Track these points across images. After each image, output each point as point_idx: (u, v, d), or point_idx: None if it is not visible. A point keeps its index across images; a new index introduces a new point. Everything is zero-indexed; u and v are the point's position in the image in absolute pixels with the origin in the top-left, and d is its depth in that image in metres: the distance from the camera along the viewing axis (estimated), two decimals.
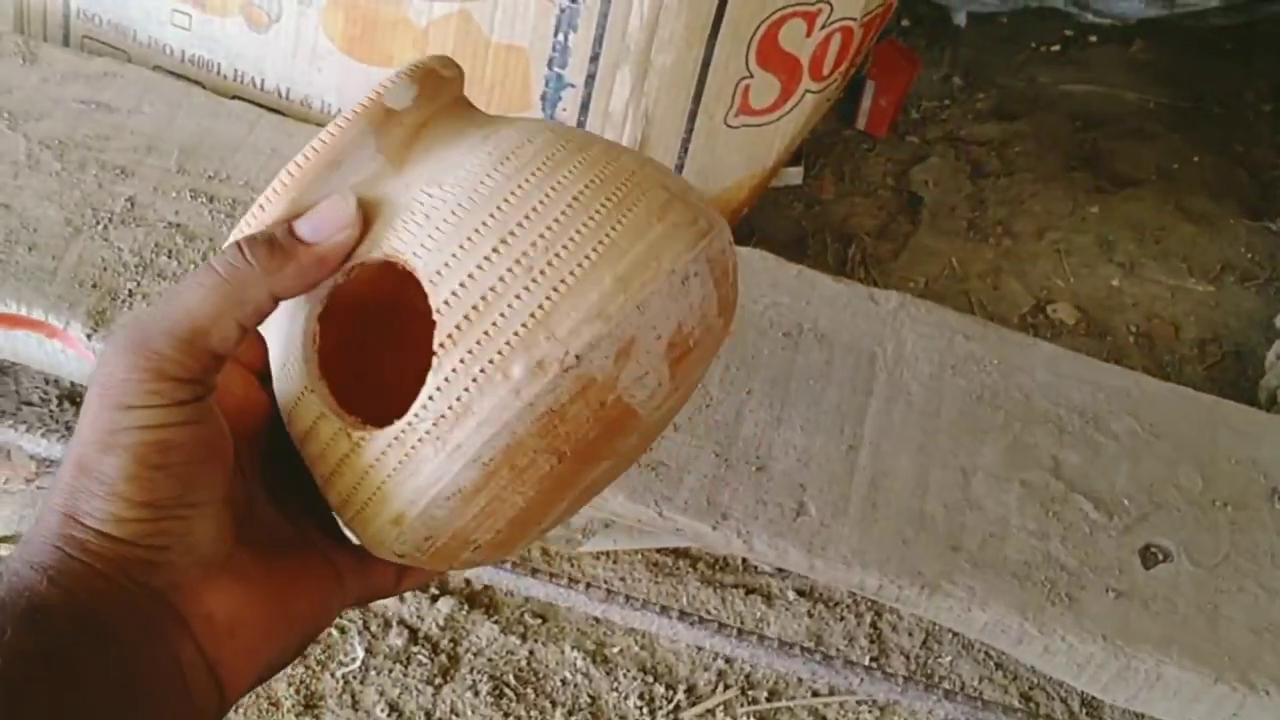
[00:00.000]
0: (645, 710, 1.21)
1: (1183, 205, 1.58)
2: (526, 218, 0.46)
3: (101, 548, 0.43)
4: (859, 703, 1.24)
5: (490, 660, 1.22)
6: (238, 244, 0.46)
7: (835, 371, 1.11)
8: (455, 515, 0.47)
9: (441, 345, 0.45)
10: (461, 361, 0.45)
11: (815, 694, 1.26)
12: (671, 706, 1.22)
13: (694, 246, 0.48)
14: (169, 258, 1.06)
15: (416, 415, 0.46)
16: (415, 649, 1.23)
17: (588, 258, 0.45)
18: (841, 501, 1.04)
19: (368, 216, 0.47)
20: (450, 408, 0.45)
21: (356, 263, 0.47)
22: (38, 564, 0.43)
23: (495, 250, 0.45)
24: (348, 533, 0.52)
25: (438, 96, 0.50)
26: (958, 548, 1.03)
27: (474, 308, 0.45)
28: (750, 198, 1.33)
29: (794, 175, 1.52)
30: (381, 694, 1.18)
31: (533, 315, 0.45)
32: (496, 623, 1.24)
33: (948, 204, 1.56)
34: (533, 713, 1.20)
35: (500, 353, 0.45)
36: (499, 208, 0.46)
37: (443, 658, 1.23)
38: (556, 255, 0.45)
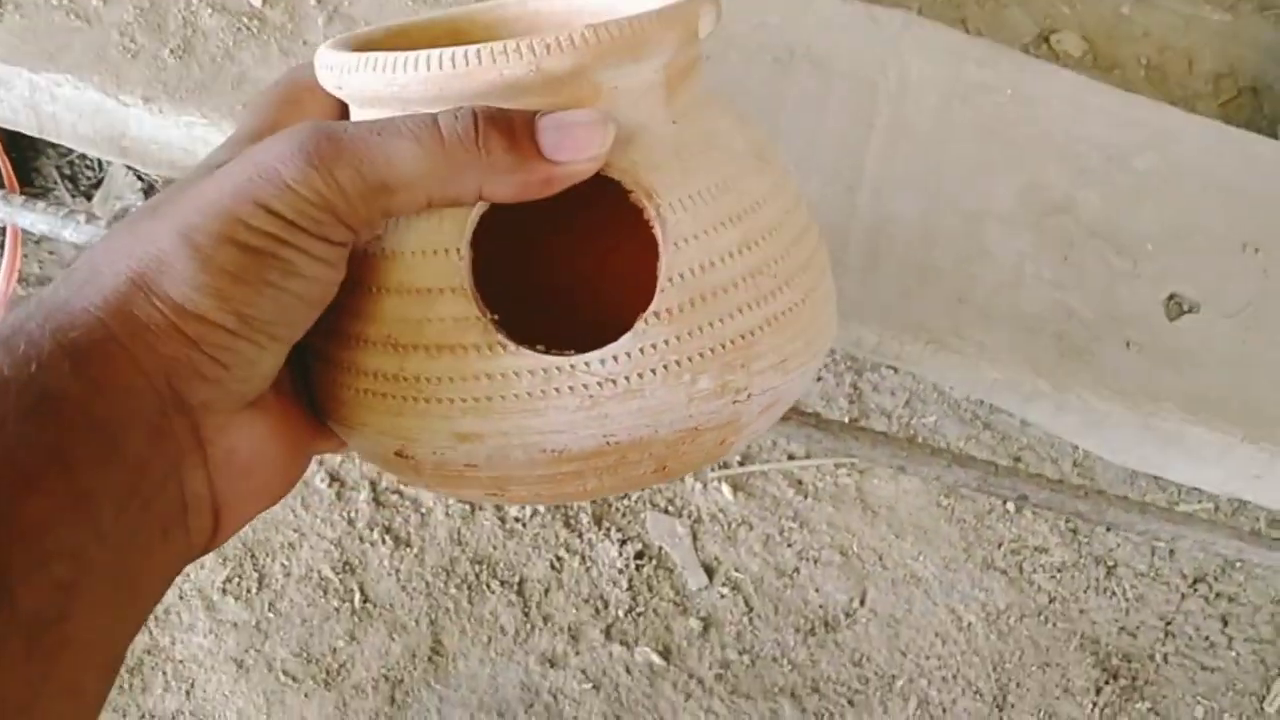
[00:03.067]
0: None
1: None
2: (771, 231, 0.44)
3: (158, 339, 0.38)
4: (837, 466, 1.16)
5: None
6: (477, 118, 0.40)
7: (832, 102, 0.97)
8: (529, 467, 0.44)
9: (656, 315, 0.42)
10: (665, 343, 0.42)
11: (791, 457, 1.17)
12: None
13: (830, 341, 0.49)
14: None
15: (587, 364, 0.42)
16: None
17: (796, 305, 0.45)
18: (838, 250, 0.92)
19: (617, 132, 0.43)
20: (626, 379, 0.42)
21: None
22: (69, 342, 0.37)
23: (741, 249, 0.43)
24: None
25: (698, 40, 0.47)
26: (965, 300, 0.93)
27: (702, 296, 0.42)
28: None
29: None
30: (320, 463, 1.08)
31: (743, 336, 0.43)
32: None
33: None
34: None
35: (701, 355, 0.42)
36: (756, 204, 0.44)
37: None
38: (784, 285, 0.44)
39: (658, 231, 0.42)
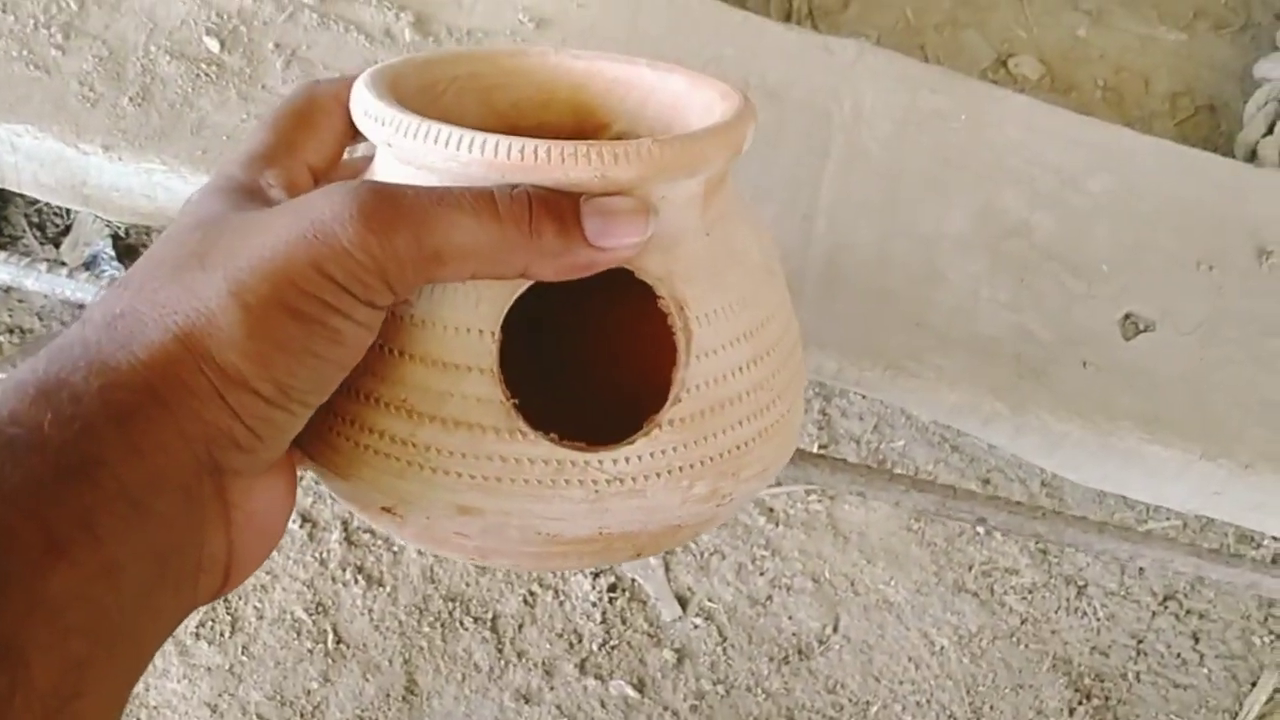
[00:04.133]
0: None
1: None
2: (774, 346, 0.46)
3: (203, 405, 0.37)
4: (808, 492, 1.17)
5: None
6: (531, 201, 0.40)
7: (788, 132, 0.99)
8: (521, 544, 0.45)
9: (670, 423, 0.43)
10: (673, 450, 0.43)
11: None
12: None
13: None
14: (4, 11, 0.90)
15: (599, 462, 0.43)
16: None
17: (784, 417, 0.46)
18: (795, 279, 0.93)
19: (658, 238, 0.44)
20: (634, 479, 0.44)
21: (624, 266, 0.44)
22: (115, 403, 0.36)
23: (750, 364, 0.45)
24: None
25: None
26: (923, 324, 0.93)
27: (711, 408, 0.44)
28: None
29: None
30: None
31: (739, 447, 0.44)
32: None
33: None
34: None
35: (701, 463, 0.44)
36: (766, 319, 0.46)
37: None
38: (777, 399, 0.45)
39: (681, 341, 0.43)
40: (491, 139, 0.40)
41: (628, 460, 0.43)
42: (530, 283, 0.42)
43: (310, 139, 0.45)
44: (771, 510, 1.16)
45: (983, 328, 0.94)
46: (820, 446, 1.19)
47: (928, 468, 1.17)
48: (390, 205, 0.38)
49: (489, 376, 0.43)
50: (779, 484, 1.16)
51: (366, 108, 0.43)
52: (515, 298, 0.43)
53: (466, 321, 0.43)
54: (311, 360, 0.38)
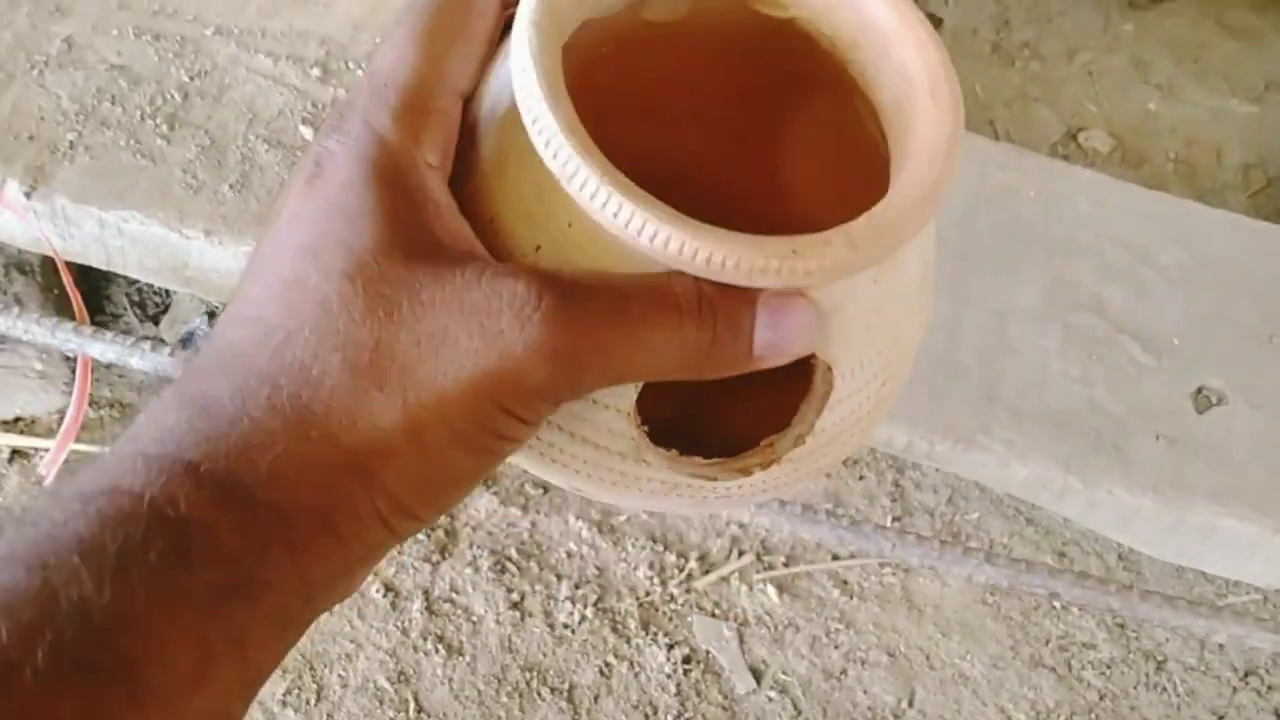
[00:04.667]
0: (656, 580, 1.14)
1: (1223, 19, 1.45)
2: (894, 378, 0.45)
3: (368, 530, 0.35)
4: (881, 565, 1.17)
5: (490, 534, 1.15)
6: (717, 320, 0.36)
7: None
8: (619, 504, 0.46)
9: (789, 460, 0.42)
10: (785, 475, 0.43)
11: (835, 557, 1.19)
12: (684, 575, 1.15)
13: None
14: (113, 103, 0.96)
15: (714, 484, 0.43)
16: None
17: (870, 429, 0.46)
18: None
19: (820, 304, 0.41)
20: (740, 495, 0.44)
21: None
22: (291, 525, 0.34)
23: (871, 402, 0.44)
24: None
25: None
26: (994, 398, 0.94)
27: (827, 445, 0.43)
28: None
29: None
30: (376, 573, 1.12)
31: (833, 461, 0.44)
32: (496, 494, 1.17)
33: (969, 25, 1.43)
34: (537, 587, 1.13)
35: (798, 481, 0.44)
36: (895, 358, 0.44)
37: (439, 533, 1.15)
38: (871, 425, 0.44)
39: (818, 390, 0.41)
40: (677, 234, 0.34)
41: (740, 486, 0.43)
42: None
43: (463, 56, 0.38)
44: (845, 582, 1.17)
45: (1054, 401, 0.94)
46: (894, 519, 1.19)
47: (1003, 540, 1.17)
48: (581, 338, 0.34)
49: (625, 417, 0.42)
50: (852, 556, 1.17)
51: (544, 131, 0.35)
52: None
53: None
54: (474, 485, 0.37)
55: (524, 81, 0.35)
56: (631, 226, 0.34)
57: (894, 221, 0.36)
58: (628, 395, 0.40)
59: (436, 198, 0.36)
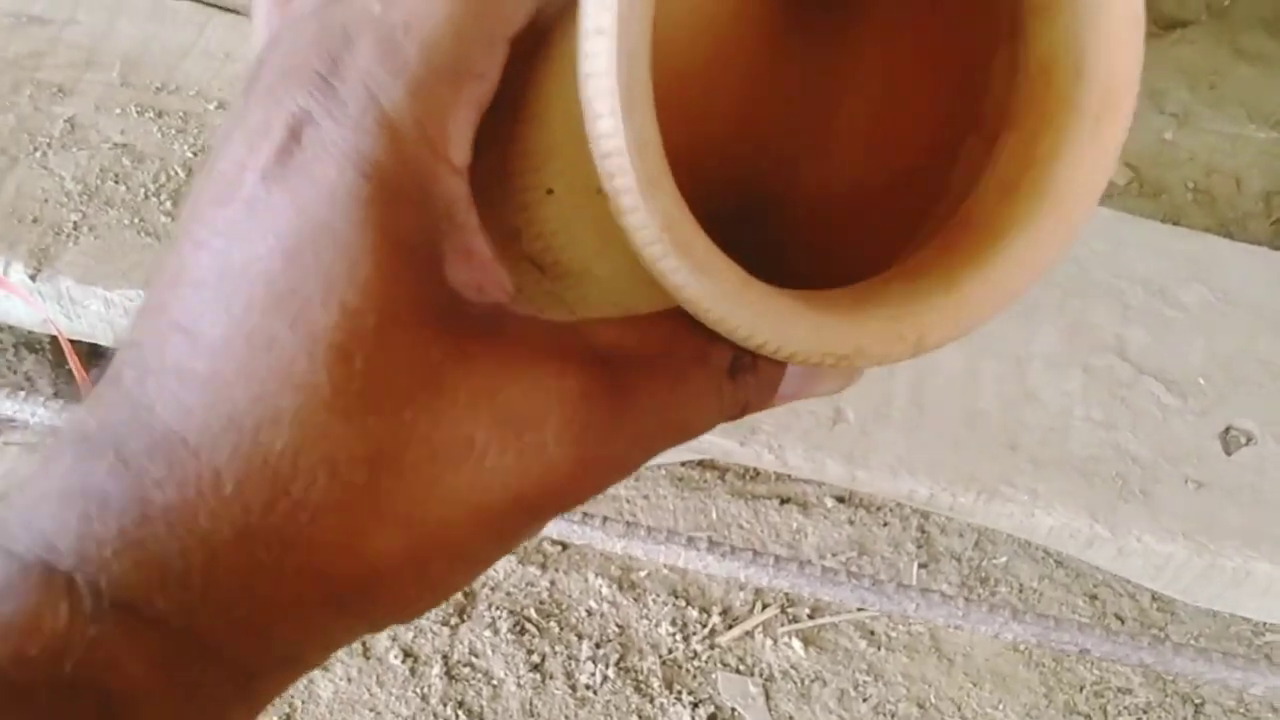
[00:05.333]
0: (679, 636, 1.13)
1: (1237, 45, 1.43)
2: None
3: (352, 636, 0.27)
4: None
5: (509, 594, 1.13)
6: (750, 399, 0.30)
7: None
8: None
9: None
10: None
11: (861, 608, 1.17)
12: (707, 631, 1.13)
13: None
14: (116, 182, 0.96)
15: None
16: None
17: None
18: (883, 404, 0.93)
19: None
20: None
21: None
22: (260, 690, 0.26)
23: None
24: None
25: None
26: (1016, 446, 0.93)
27: None
28: None
29: None
30: (394, 639, 1.10)
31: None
32: (513, 554, 1.15)
33: None
34: (557, 647, 1.12)
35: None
36: None
37: (458, 595, 1.14)
38: None
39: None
40: (743, 322, 0.27)
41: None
42: None
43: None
44: (872, 633, 1.14)
45: (1078, 448, 0.92)
46: (920, 565, 1.17)
47: (1032, 584, 1.15)
48: (636, 443, 0.27)
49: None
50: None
51: (615, 173, 0.25)
52: None
53: None
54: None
55: (603, 116, 0.24)
56: (691, 301, 0.26)
57: (975, 316, 0.29)
58: None
59: (460, 222, 0.25)
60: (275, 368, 0.24)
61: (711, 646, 1.14)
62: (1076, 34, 0.29)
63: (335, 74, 0.24)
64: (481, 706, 1.09)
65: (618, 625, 1.14)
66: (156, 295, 0.25)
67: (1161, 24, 1.47)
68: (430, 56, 0.24)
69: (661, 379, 0.27)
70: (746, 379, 0.29)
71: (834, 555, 1.16)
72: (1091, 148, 0.29)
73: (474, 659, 1.11)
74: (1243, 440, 0.94)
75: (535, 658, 1.11)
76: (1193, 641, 1.10)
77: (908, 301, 0.28)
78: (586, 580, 1.15)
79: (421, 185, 0.24)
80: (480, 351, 0.25)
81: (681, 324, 0.27)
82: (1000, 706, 1.12)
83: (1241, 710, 1.06)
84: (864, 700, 1.13)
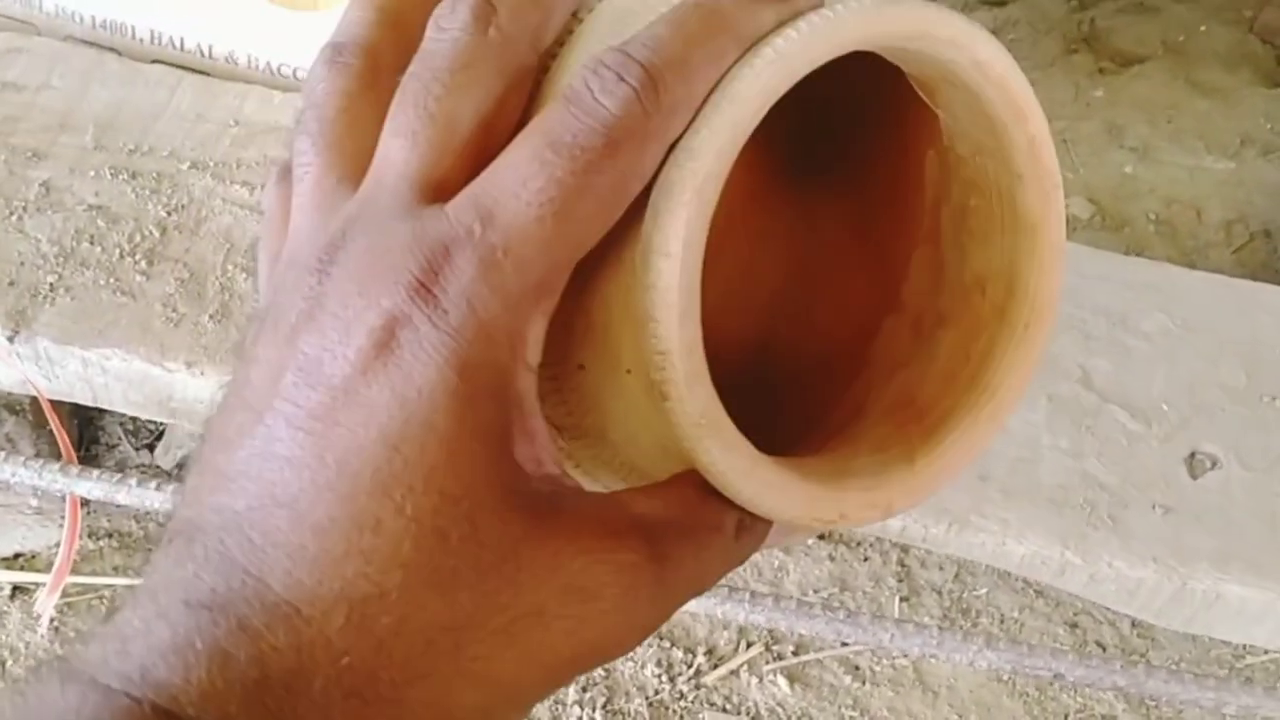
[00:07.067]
0: (665, 677, 1.13)
1: (1194, 79, 1.46)
2: None
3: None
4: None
5: None
6: (754, 530, 0.33)
7: None
8: None
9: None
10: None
11: (845, 643, 1.17)
12: (692, 671, 1.14)
13: None
14: (91, 243, 0.97)
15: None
16: None
17: None
18: None
19: None
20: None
21: None
22: None
23: None
24: None
25: None
26: (985, 477, 0.94)
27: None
28: None
29: None
30: None
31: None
32: None
33: None
34: None
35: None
36: None
37: None
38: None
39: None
40: (753, 492, 0.32)
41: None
42: None
43: (607, 208, 0.29)
44: (857, 668, 1.15)
45: (1046, 476, 0.94)
46: (901, 599, 1.18)
47: (1013, 614, 1.16)
48: (674, 603, 0.31)
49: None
50: (861, 642, 1.16)
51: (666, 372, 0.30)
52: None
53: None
54: None
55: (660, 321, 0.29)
56: (717, 475, 0.31)
57: (930, 489, 0.34)
58: None
59: (529, 414, 0.29)
60: (382, 549, 0.26)
61: (697, 686, 1.15)
62: (1012, 259, 0.34)
63: (436, 284, 0.27)
64: None
65: (603, 669, 1.14)
66: (238, 458, 0.28)
67: (1119, 61, 1.50)
68: (524, 277, 0.27)
69: (689, 545, 0.31)
70: (747, 538, 0.32)
71: (816, 592, 1.17)
72: (1021, 350, 0.34)
73: None
74: (1208, 464, 0.95)
75: None
76: (1172, 666, 1.11)
77: (878, 474, 0.33)
78: None
79: (504, 383, 0.28)
80: (549, 526, 0.28)
81: (695, 491, 0.31)
82: None
83: None
84: None
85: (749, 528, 0.32)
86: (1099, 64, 1.49)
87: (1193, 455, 0.95)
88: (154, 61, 1.12)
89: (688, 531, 0.31)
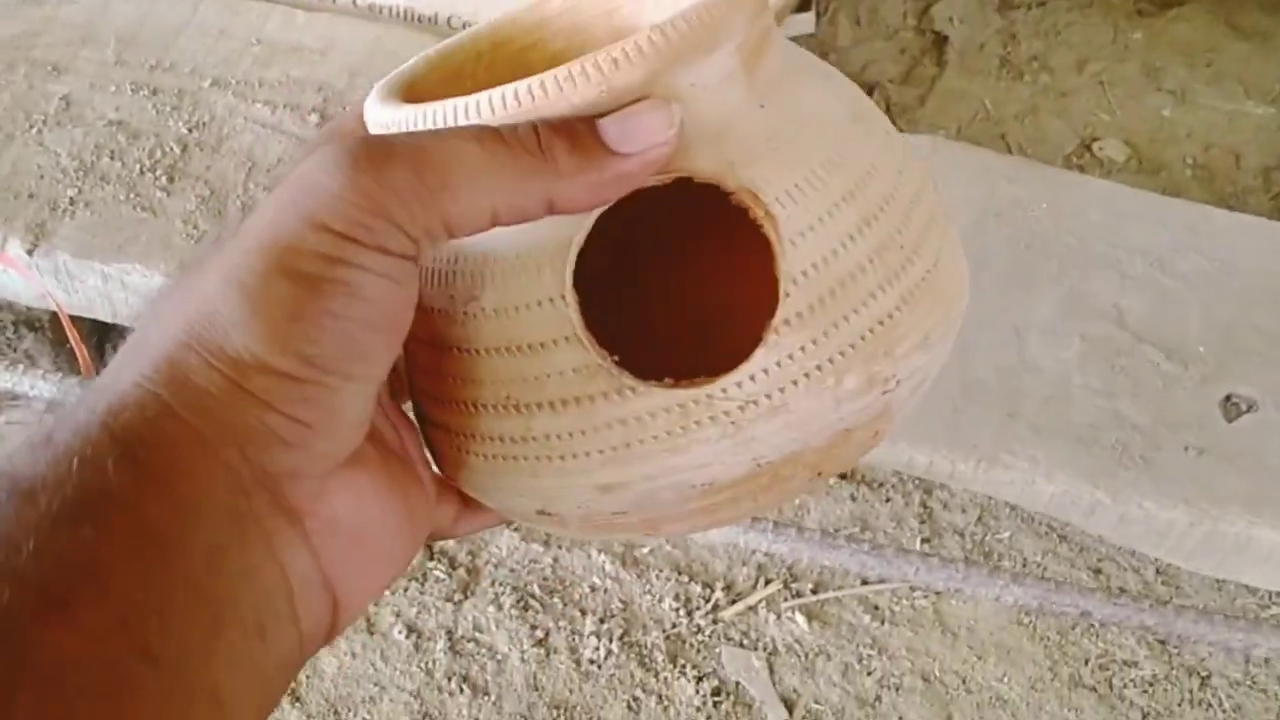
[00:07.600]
0: (682, 612, 1.13)
1: (1233, 22, 1.43)
2: (888, 199, 0.39)
3: (223, 405, 0.32)
4: (912, 588, 1.15)
5: (512, 571, 1.13)
6: (534, 126, 0.35)
7: None
8: (681, 504, 0.41)
9: (787, 323, 0.38)
10: (802, 350, 0.38)
11: (865, 582, 1.16)
12: (710, 606, 1.13)
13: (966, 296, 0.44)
14: (111, 159, 0.96)
15: (724, 391, 0.38)
16: (431, 564, 1.14)
17: (929, 273, 0.40)
18: None
19: (703, 130, 0.39)
20: (768, 396, 0.38)
21: (676, 175, 0.38)
22: (120, 426, 0.31)
23: (859, 230, 0.39)
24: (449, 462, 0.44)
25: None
26: (1015, 414, 0.92)
27: (831, 292, 0.38)
28: None
29: (804, 22, 1.38)
30: (398, 615, 1.10)
31: (881, 322, 0.39)
32: (516, 531, 1.15)
33: (976, 41, 1.41)
34: (561, 623, 1.12)
35: (842, 353, 0.38)
36: (867, 174, 0.39)
37: (461, 572, 1.14)
38: (913, 255, 0.39)
39: (769, 230, 0.38)
40: (484, 97, 0.36)
41: (754, 379, 0.38)
42: (584, 234, 0.38)
43: None
44: (876, 607, 1.14)
45: (1077, 416, 0.92)
46: (923, 540, 1.17)
47: (1036, 559, 1.15)
48: (382, 145, 0.34)
49: (577, 344, 0.39)
50: (881, 580, 1.15)
51: (373, 118, 0.39)
52: (575, 254, 0.39)
53: (534, 296, 0.39)
54: (329, 321, 0.33)
55: (367, 116, 0.40)
56: (449, 118, 0.37)
57: (696, 9, 0.37)
58: (566, 316, 0.38)
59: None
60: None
61: (715, 621, 1.14)
62: None
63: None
64: (486, 681, 1.09)
65: (621, 601, 1.14)
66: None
67: (1158, 2, 1.46)
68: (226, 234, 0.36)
69: (426, 131, 0.37)
70: (527, 128, 0.35)
71: (837, 531, 1.16)
72: None
73: (478, 634, 1.11)
74: (1244, 407, 0.94)
75: (539, 633, 1.11)
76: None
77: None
78: (589, 557, 1.14)
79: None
80: None
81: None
82: (1005, 679, 1.12)
83: (1248, 682, 1.05)
84: (868, 674, 1.13)
85: (524, 125, 0.36)
86: (1137, 5, 1.46)
87: (1228, 398, 0.94)
88: None
89: (411, 132, 0.37)
